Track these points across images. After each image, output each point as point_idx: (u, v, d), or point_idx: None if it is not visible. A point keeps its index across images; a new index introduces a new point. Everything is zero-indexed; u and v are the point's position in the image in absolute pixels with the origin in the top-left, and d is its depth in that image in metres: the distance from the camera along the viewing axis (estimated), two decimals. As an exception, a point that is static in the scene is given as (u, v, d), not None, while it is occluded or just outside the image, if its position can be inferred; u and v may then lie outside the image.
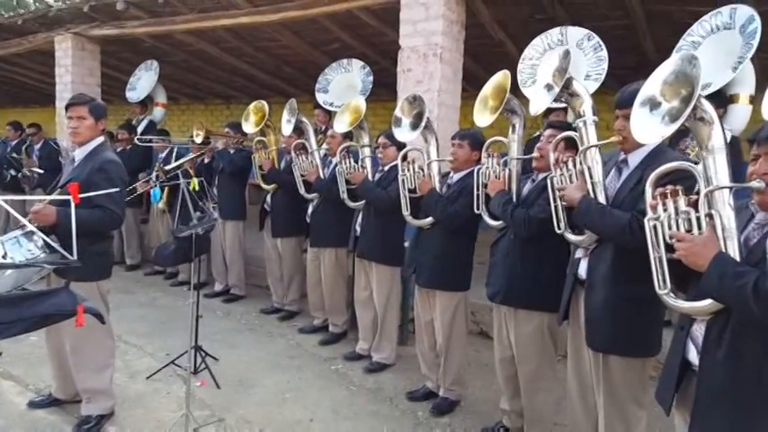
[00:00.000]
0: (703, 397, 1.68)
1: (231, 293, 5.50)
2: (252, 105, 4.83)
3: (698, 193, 1.68)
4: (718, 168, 1.68)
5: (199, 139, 5.23)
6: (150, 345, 4.23)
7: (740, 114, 3.70)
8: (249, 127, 4.80)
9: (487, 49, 5.82)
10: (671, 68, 1.80)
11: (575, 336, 2.55)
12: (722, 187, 1.64)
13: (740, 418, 1.61)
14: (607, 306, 2.28)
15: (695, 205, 1.66)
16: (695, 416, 1.71)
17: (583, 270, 2.44)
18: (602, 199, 2.30)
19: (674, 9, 4.64)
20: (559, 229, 2.52)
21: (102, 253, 2.99)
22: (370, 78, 5.14)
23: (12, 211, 1.99)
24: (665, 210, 1.71)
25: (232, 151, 5.30)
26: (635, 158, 2.26)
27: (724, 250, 1.59)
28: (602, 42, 4.05)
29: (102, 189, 2.68)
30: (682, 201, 1.69)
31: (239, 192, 5.42)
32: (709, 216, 1.63)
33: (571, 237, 2.49)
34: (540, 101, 2.58)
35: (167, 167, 5.20)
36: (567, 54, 2.42)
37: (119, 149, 6.22)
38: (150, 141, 6.10)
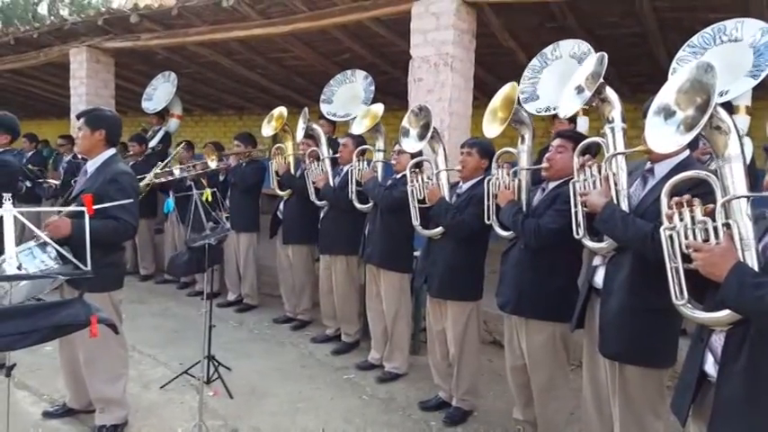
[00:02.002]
0: (720, 408, 1.65)
1: (244, 303, 5.51)
2: (275, 111, 4.97)
3: (715, 203, 1.66)
4: (735, 178, 1.65)
5: (213, 164, 5.32)
6: (164, 354, 4.24)
7: (741, 125, 3.71)
8: (268, 130, 4.90)
9: (498, 58, 5.82)
10: (686, 77, 1.78)
11: (590, 345, 2.53)
12: (740, 196, 1.61)
13: (757, 430, 1.57)
14: (623, 315, 2.25)
15: (712, 215, 1.64)
16: (711, 427, 1.68)
17: (599, 278, 2.42)
18: (625, 207, 2.27)
19: (686, 16, 4.61)
20: (578, 234, 2.48)
21: (115, 264, 3.01)
22: (372, 88, 5.19)
23: (27, 222, 2.01)
24: (681, 219, 1.69)
25: (244, 164, 5.34)
26: (661, 169, 2.23)
27: (742, 260, 1.57)
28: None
29: (115, 200, 2.70)
30: (698, 210, 1.67)
31: (252, 203, 5.46)
32: (727, 226, 1.61)
33: (589, 244, 2.45)
34: (570, 104, 2.55)
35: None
36: (602, 59, 2.39)
37: (131, 162, 6.27)
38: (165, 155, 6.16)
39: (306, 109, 4.60)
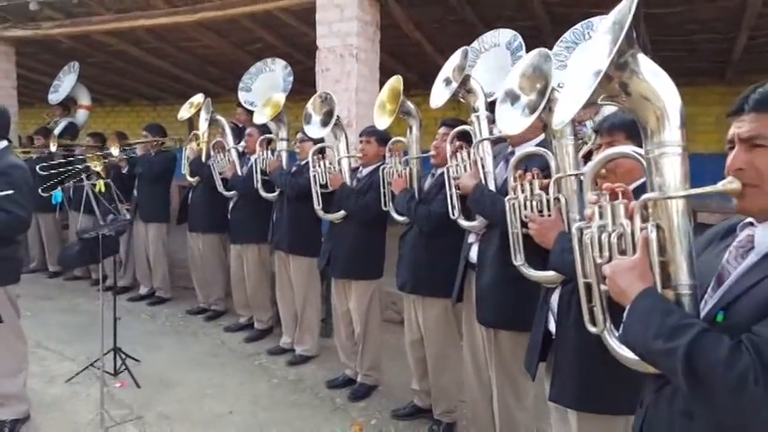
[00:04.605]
0: (558, 361, 1.89)
1: (156, 296, 5.46)
2: (194, 98, 4.97)
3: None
4: (566, 157, 1.88)
5: (115, 152, 5.20)
6: (70, 350, 4.18)
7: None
8: (184, 114, 4.92)
9: (405, 48, 6.02)
10: (528, 63, 2.01)
11: (468, 316, 2.77)
12: (568, 175, 1.85)
13: (586, 376, 1.78)
14: (494, 285, 2.48)
15: (546, 189, 1.87)
16: (554, 379, 1.91)
17: (473, 254, 2.65)
18: (492, 187, 2.50)
19: (574, 11, 4.95)
20: (453, 215, 2.70)
21: (9, 257, 2.97)
22: (291, 78, 5.23)
23: None
24: (522, 191, 1.92)
25: (153, 154, 5.27)
26: (520, 151, 2.44)
27: (566, 231, 1.80)
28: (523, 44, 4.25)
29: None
30: (536, 184, 1.90)
31: (161, 194, 5.40)
32: (557, 200, 1.84)
33: (464, 223, 2.68)
34: (439, 95, 2.74)
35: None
36: (465, 53, 2.62)
37: (35, 156, 6.04)
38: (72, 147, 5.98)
39: (208, 100, 4.61)
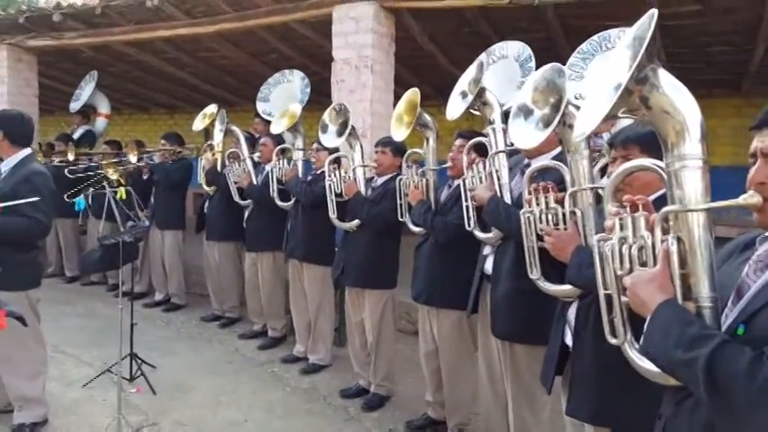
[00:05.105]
0: (576, 374, 1.87)
1: (171, 303, 5.52)
2: (208, 108, 5.04)
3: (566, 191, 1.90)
4: (581, 171, 1.88)
5: (134, 159, 5.28)
6: (87, 354, 4.23)
7: None
8: (198, 125, 4.99)
9: (420, 60, 6.06)
10: (540, 76, 2.02)
11: (483, 328, 2.75)
12: (583, 189, 1.85)
13: (605, 390, 1.77)
14: (509, 298, 2.46)
15: (562, 202, 1.88)
16: (571, 393, 1.90)
17: (489, 265, 2.65)
18: (508, 199, 2.50)
19: (589, 23, 4.96)
20: (469, 226, 2.70)
21: (31, 262, 3.03)
22: (308, 90, 5.31)
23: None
24: (537, 204, 1.93)
25: (170, 162, 5.36)
26: (536, 164, 2.40)
27: (583, 244, 1.80)
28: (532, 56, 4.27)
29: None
30: (551, 197, 1.91)
31: (178, 201, 5.48)
32: (573, 213, 1.85)
33: (480, 234, 2.68)
34: (455, 107, 2.75)
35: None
36: (481, 66, 2.63)
37: (56, 161, 6.14)
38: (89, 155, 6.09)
39: (223, 111, 4.70)
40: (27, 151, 3.09)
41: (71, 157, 5.77)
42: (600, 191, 1.83)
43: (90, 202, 5.07)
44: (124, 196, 3.33)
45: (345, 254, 3.64)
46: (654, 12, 1.12)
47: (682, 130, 1.14)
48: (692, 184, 1.13)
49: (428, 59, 5.93)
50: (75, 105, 7.10)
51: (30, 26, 6.49)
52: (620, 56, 1.21)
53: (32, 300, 3.05)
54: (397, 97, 5.06)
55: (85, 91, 7.10)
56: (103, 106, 7.39)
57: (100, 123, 7.31)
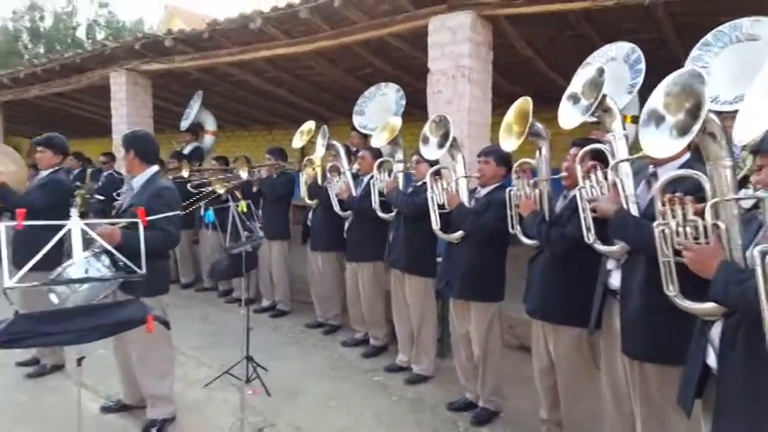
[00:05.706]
0: (722, 397, 1.75)
1: (278, 309, 5.78)
2: (305, 126, 5.26)
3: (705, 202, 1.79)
4: (724, 181, 1.75)
5: (244, 175, 5.61)
6: (206, 356, 4.52)
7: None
8: (298, 143, 5.22)
9: (518, 66, 5.98)
10: (673, 81, 1.91)
11: (607, 345, 2.60)
12: (728, 199, 1.73)
13: (759, 418, 1.64)
14: (643, 315, 2.30)
15: (702, 214, 1.77)
16: (716, 416, 1.78)
17: (614, 281, 2.49)
18: (634, 212, 2.35)
19: (704, 20, 4.69)
20: (589, 239, 2.55)
21: (162, 271, 3.30)
22: (403, 102, 5.38)
23: (92, 233, 2.27)
24: (673, 217, 1.83)
25: (275, 176, 5.64)
26: (665, 172, 2.23)
27: (729, 259, 1.68)
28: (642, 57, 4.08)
29: (160, 213, 2.98)
30: (690, 209, 1.80)
31: (283, 213, 5.75)
32: (715, 226, 1.73)
33: (602, 248, 2.52)
34: (572, 116, 2.63)
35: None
36: (601, 71, 2.51)
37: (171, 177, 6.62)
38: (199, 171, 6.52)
39: (325, 127, 4.87)
40: (155, 168, 3.37)
41: (185, 173, 6.19)
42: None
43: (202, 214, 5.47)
44: (245, 209, 3.55)
45: (449, 265, 3.63)
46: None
47: None
48: None
49: (525, 65, 5.84)
50: (185, 123, 7.63)
51: (144, 51, 7.07)
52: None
53: (163, 305, 3.30)
54: (496, 105, 5.05)
55: (194, 110, 7.62)
56: (210, 124, 7.91)
57: (207, 140, 7.81)
